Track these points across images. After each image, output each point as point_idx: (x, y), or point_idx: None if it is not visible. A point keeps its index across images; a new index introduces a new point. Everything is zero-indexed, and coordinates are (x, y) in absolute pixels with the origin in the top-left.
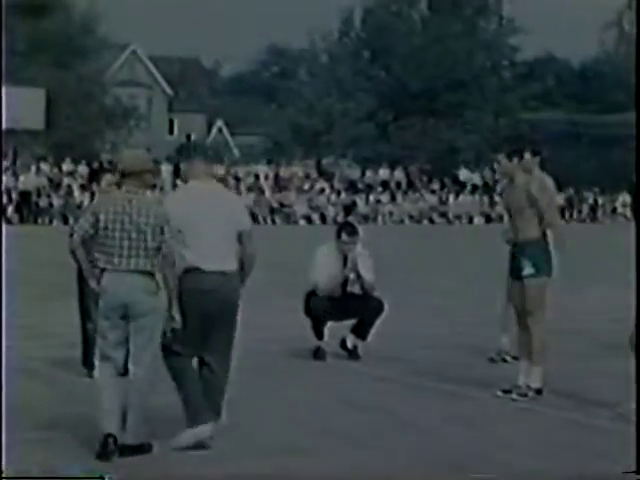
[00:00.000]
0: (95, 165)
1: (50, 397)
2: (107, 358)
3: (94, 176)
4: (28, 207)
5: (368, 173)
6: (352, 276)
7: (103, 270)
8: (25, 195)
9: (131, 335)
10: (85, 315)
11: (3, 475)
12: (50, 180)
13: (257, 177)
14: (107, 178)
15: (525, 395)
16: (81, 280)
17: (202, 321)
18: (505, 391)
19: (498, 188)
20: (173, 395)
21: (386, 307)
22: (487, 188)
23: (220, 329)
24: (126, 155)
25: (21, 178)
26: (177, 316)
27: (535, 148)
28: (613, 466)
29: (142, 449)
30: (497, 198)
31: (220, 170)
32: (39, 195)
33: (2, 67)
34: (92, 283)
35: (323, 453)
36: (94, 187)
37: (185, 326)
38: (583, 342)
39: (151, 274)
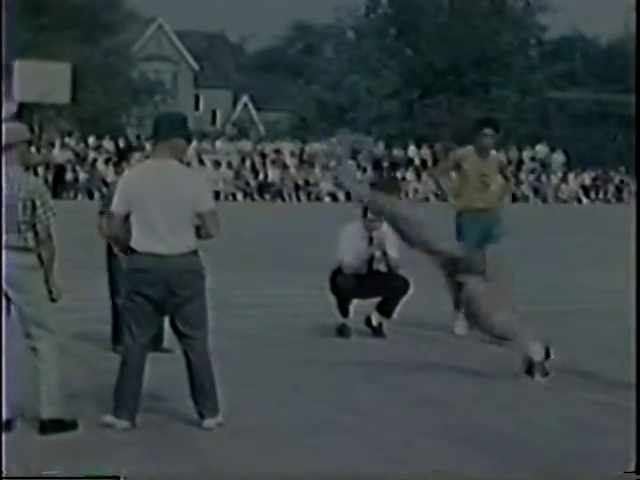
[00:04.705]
0: (123, 143)
1: (79, 370)
2: None
3: (122, 154)
4: (62, 181)
5: (393, 150)
6: (378, 254)
7: None
8: (59, 169)
9: (20, 312)
10: (114, 291)
11: (3, 475)
12: (76, 154)
13: (279, 153)
14: (135, 157)
15: (547, 374)
16: (110, 256)
17: (144, 303)
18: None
19: (525, 166)
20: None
21: (411, 285)
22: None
23: (179, 312)
24: (3, 128)
25: (55, 152)
26: (55, 290)
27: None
28: (630, 445)
29: (64, 425)
30: (523, 177)
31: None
32: (64, 170)
33: (2, 64)
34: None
35: (346, 430)
36: (124, 165)
37: (128, 308)
38: (608, 321)
39: (28, 249)
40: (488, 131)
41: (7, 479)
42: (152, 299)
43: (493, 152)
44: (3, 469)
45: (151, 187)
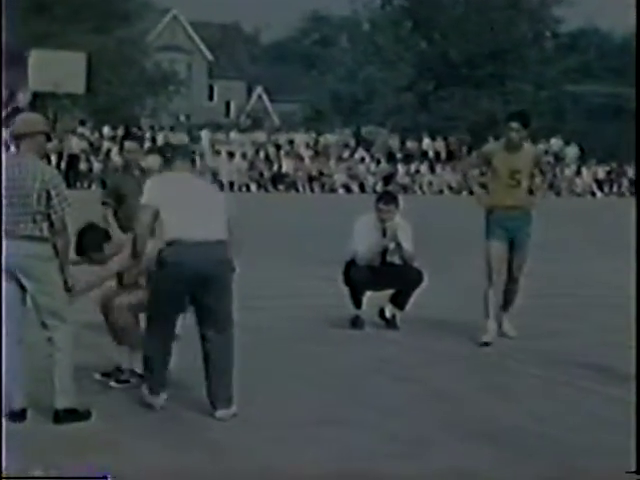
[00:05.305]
0: (133, 130)
1: (92, 360)
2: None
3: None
4: (76, 171)
5: (408, 143)
6: (392, 246)
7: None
8: (73, 159)
9: (34, 301)
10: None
11: (3, 475)
12: (91, 144)
13: (293, 144)
14: (127, 145)
15: None
16: None
17: (173, 298)
18: None
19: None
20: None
21: (425, 277)
22: None
23: (207, 305)
24: (19, 118)
25: (70, 142)
26: (70, 280)
27: None
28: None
29: (78, 415)
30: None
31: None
32: (78, 159)
33: (2, 65)
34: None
35: (358, 423)
36: (121, 153)
37: (160, 300)
38: (621, 315)
39: (43, 239)
40: (515, 125)
41: (7, 479)
42: (182, 293)
43: (527, 145)
44: (3, 469)
45: (182, 185)
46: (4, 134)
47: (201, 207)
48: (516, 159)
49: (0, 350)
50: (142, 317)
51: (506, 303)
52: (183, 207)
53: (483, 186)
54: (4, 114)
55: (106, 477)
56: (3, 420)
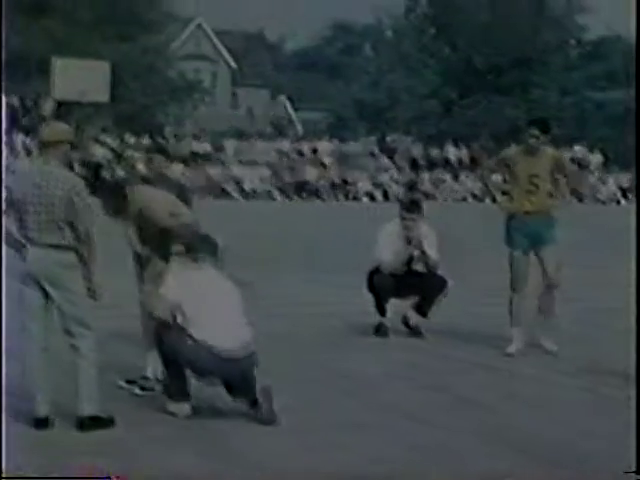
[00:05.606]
0: (161, 141)
1: (114, 368)
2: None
3: (148, 154)
4: (99, 179)
5: (431, 150)
6: (416, 253)
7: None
8: (96, 167)
9: (59, 309)
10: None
11: (3, 475)
12: (114, 152)
13: (317, 152)
14: (155, 158)
15: None
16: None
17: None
18: None
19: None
20: None
21: (449, 285)
22: None
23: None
24: (45, 126)
25: (94, 150)
26: (95, 287)
27: None
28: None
29: (102, 422)
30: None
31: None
32: (101, 167)
33: (2, 66)
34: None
35: (383, 429)
36: (150, 165)
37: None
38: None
39: (68, 247)
40: (534, 132)
41: (7, 479)
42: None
43: (545, 149)
44: (3, 469)
45: (206, 282)
46: (4, 136)
47: (227, 308)
48: (534, 163)
49: (0, 352)
50: None
51: (541, 312)
52: (210, 308)
53: (506, 193)
54: (28, 122)
55: (109, 478)
56: (3, 420)
